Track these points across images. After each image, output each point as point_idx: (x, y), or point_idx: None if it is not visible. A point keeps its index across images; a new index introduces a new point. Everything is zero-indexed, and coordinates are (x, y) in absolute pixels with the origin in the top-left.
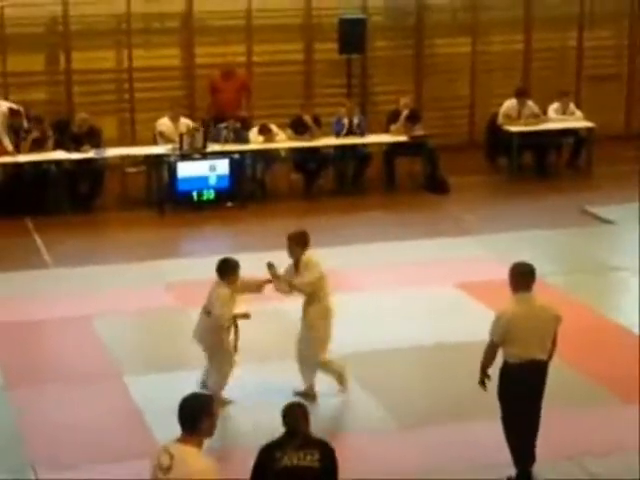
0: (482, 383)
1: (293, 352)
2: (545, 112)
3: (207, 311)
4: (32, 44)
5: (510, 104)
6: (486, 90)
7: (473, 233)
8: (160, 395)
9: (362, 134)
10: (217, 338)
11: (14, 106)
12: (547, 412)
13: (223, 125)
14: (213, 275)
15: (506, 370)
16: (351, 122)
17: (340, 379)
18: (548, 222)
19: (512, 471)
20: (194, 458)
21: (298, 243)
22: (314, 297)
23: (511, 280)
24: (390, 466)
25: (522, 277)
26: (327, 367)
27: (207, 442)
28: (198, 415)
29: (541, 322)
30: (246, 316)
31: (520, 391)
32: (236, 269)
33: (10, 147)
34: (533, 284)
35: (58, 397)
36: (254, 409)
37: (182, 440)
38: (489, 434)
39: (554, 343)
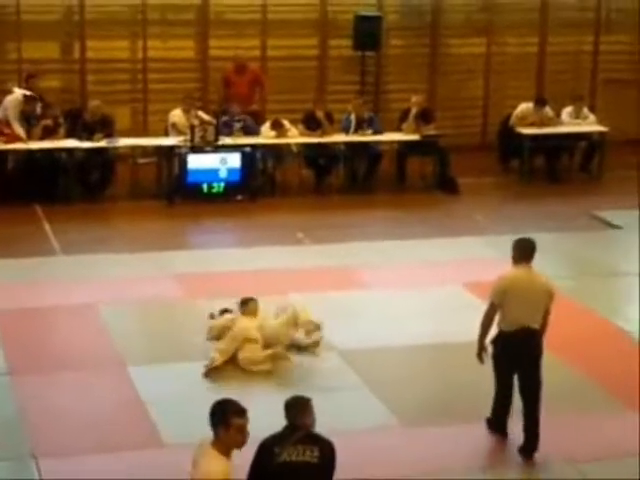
0: (480, 355)
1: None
2: (558, 115)
3: None
4: (47, 32)
5: (525, 107)
6: (500, 92)
7: (482, 234)
8: (164, 386)
9: (375, 131)
10: None
11: (29, 93)
12: (548, 415)
13: (236, 118)
14: (220, 268)
15: (500, 338)
16: (361, 119)
17: None
18: (557, 226)
19: (513, 474)
20: (207, 460)
21: None
22: None
23: (513, 253)
24: (390, 464)
25: (524, 250)
26: None
27: None
28: (215, 423)
29: (536, 293)
30: None
31: (515, 358)
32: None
33: (22, 134)
34: (533, 258)
35: (62, 385)
36: None
37: (212, 441)
38: (493, 435)
39: (546, 319)
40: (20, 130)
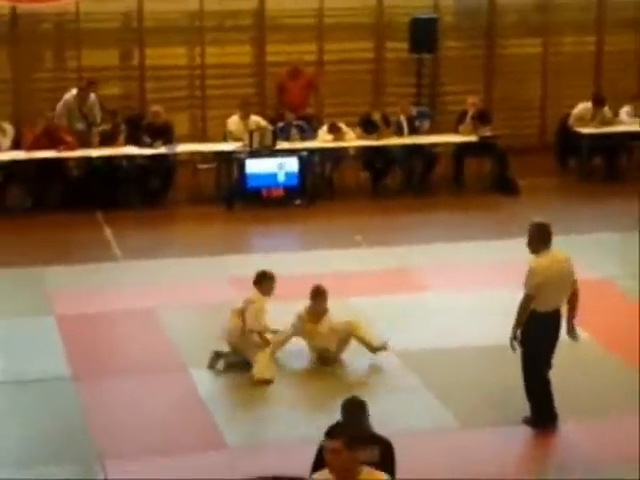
0: (513, 341)
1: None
2: (616, 115)
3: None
4: (106, 39)
5: (584, 107)
6: (557, 92)
7: None
8: (226, 388)
9: (430, 120)
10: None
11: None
12: (611, 416)
13: (294, 122)
14: (280, 272)
15: (536, 319)
16: (411, 120)
17: None
18: (617, 225)
19: (575, 475)
20: None
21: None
22: None
23: (533, 240)
24: (449, 465)
25: (545, 236)
26: None
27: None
28: None
29: (565, 271)
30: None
31: (547, 337)
32: (264, 280)
33: (69, 138)
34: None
35: (125, 388)
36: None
37: None
38: (551, 437)
39: (575, 296)
40: (67, 134)
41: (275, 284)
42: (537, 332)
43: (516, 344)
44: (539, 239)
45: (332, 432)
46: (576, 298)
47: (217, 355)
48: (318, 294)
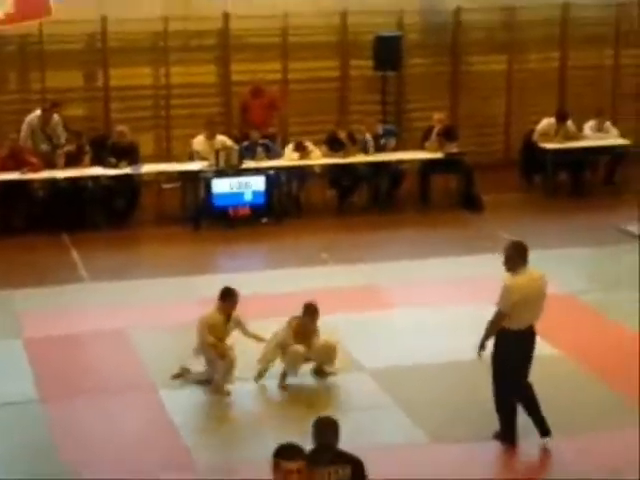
0: (479, 353)
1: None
2: (581, 130)
3: None
4: (70, 61)
5: (548, 122)
6: (522, 108)
7: None
8: (194, 409)
9: (394, 145)
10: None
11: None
12: (583, 432)
13: (259, 141)
14: (247, 291)
15: (506, 337)
16: (377, 138)
17: None
18: (583, 240)
19: None
20: None
21: None
22: None
23: (510, 259)
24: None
25: (523, 254)
26: None
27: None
28: None
29: (540, 291)
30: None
31: (519, 355)
32: (228, 297)
33: (34, 159)
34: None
35: (94, 410)
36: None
37: None
38: (521, 453)
39: None
40: (31, 156)
41: (238, 300)
42: (509, 350)
43: (482, 352)
44: (516, 258)
45: (285, 452)
46: None
47: (184, 371)
48: (310, 312)
